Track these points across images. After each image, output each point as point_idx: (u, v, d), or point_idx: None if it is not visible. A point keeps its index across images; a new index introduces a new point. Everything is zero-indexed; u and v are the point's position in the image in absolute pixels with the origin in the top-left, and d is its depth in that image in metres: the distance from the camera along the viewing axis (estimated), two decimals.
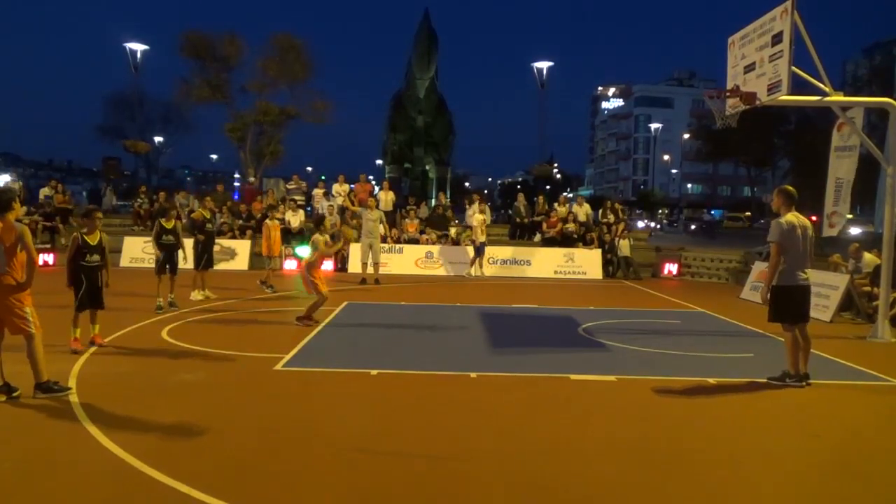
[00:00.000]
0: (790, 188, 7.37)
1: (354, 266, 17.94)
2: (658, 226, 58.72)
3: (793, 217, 7.05)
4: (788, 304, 7.04)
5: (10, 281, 5.77)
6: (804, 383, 7.05)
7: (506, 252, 19.13)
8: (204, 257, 12.36)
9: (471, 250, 17.97)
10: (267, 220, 14.30)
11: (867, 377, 7.72)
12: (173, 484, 4.17)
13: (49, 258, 17.80)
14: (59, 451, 4.79)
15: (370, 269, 15.97)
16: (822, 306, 12.25)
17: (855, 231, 28.49)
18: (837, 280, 12.44)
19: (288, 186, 23.19)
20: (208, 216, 12.89)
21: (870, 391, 7.21)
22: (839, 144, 11.83)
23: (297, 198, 21.66)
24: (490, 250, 18.64)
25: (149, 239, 18.63)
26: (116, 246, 18.50)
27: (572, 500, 4.24)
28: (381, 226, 16.65)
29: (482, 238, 17.55)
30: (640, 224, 54.68)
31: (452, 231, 19.71)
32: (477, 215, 17.93)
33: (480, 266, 17.85)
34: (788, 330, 7.10)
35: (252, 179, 24.83)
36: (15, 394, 5.91)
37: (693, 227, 50.81)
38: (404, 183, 29.26)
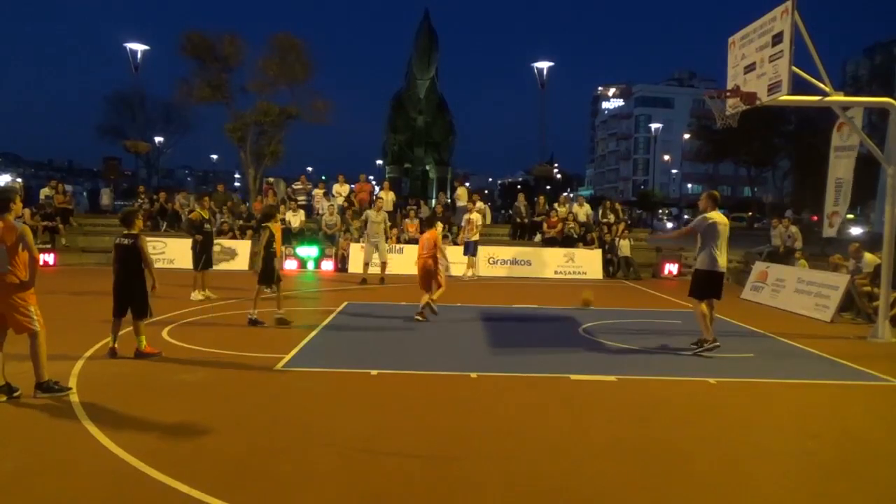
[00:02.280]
0: (717, 193, 9.03)
1: (355, 266, 17.95)
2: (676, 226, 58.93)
3: (716, 215, 8.51)
4: (707, 285, 8.55)
5: (14, 280, 5.81)
6: (714, 347, 8.51)
7: (506, 252, 19.12)
8: (203, 258, 12.36)
9: (456, 250, 17.73)
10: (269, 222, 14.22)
11: (867, 377, 7.73)
12: (174, 484, 4.17)
13: (49, 258, 17.81)
14: (60, 451, 4.79)
15: (374, 269, 15.93)
16: (823, 306, 12.25)
17: (856, 231, 28.48)
18: (838, 280, 12.44)
19: (294, 187, 23.22)
20: (207, 216, 12.87)
21: (870, 391, 7.21)
22: (839, 144, 11.83)
23: (300, 198, 21.69)
24: (490, 250, 18.62)
25: (149, 239, 18.71)
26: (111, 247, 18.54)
27: (572, 500, 4.24)
28: (385, 226, 16.61)
29: (473, 237, 17.39)
30: (669, 225, 55.13)
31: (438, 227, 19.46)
32: (474, 214, 17.84)
33: (471, 266, 17.64)
34: (701, 303, 8.57)
35: (271, 180, 24.79)
36: (15, 394, 5.92)
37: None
38: (404, 183, 29.26)
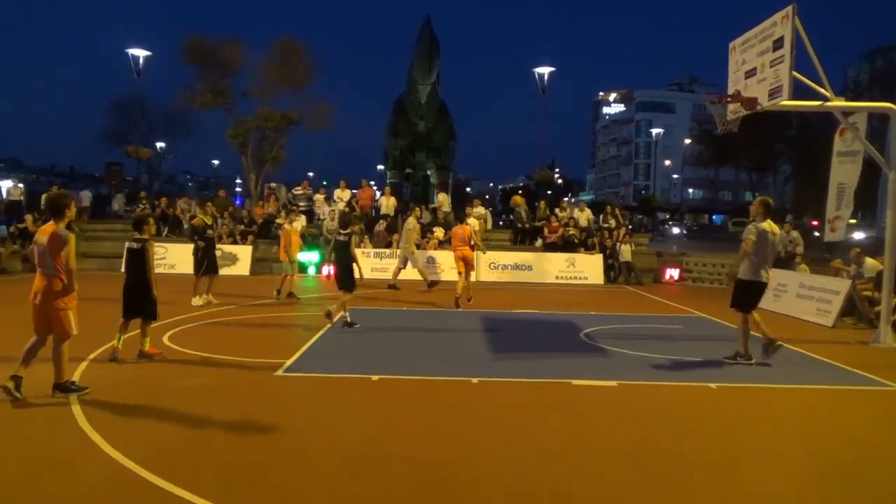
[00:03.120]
0: (769, 199, 8.65)
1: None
2: (685, 231, 59.05)
3: (768, 224, 8.21)
4: (751, 296, 8.31)
5: (58, 284, 6.06)
6: (752, 362, 8.32)
7: (507, 257, 19.11)
8: (204, 263, 12.36)
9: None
10: (286, 225, 14.19)
11: (869, 382, 7.71)
12: (174, 490, 4.17)
13: None
14: (61, 455, 4.78)
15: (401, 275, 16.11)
16: (825, 311, 12.23)
17: (859, 236, 28.43)
18: (839, 285, 12.42)
19: (295, 192, 23.24)
20: (209, 222, 12.88)
21: (872, 396, 7.20)
22: (842, 149, 11.83)
23: (300, 204, 21.70)
24: (491, 255, 18.61)
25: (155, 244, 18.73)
26: (118, 251, 18.53)
27: None
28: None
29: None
30: (676, 230, 55.41)
31: (439, 232, 19.45)
32: (471, 219, 17.75)
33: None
34: (745, 315, 8.35)
35: (273, 185, 24.79)
36: (73, 392, 6.14)
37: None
38: (406, 188, 29.26)
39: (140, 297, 7.63)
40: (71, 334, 6.15)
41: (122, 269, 8.02)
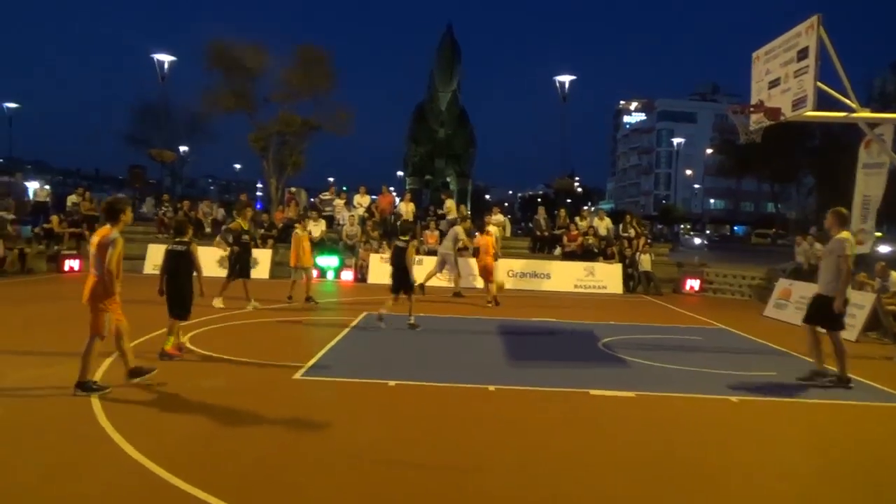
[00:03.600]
0: (844, 210, 8.20)
1: (374, 276, 18.01)
2: (706, 242, 58.64)
3: (848, 234, 7.88)
4: (843, 313, 7.93)
5: (100, 287, 6.31)
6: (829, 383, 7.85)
7: (526, 265, 19.07)
8: (237, 267, 12.42)
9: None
10: (298, 230, 14.22)
11: (893, 399, 7.57)
12: (192, 490, 4.20)
13: (75, 264, 18.08)
14: (82, 455, 4.84)
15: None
16: (848, 325, 12.01)
17: (885, 249, 27.99)
18: (863, 299, 12.23)
19: (322, 197, 23.39)
20: (247, 227, 12.98)
21: (895, 414, 7.06)
22: (868, 161, 11.67)
23: (327, 209, 21.84)
24: (509, 263, 18.57)
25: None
26: (140, 253, 18.78)
27: None
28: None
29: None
30: (697, 241, 55.11)
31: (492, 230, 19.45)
32: (491, 227, 17.77)
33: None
34: (834, 333, 7.89)
35: (294, 190, 24.92)
36: (143, 377, 6.60)
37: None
38: (425, 195, 29.32)
39: (179, 296, 7.86)
40: (103, 336, 6.33)
41: (159, 272, 8.22)
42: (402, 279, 10.68)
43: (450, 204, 22.67)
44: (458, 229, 16.41)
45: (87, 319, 6.38)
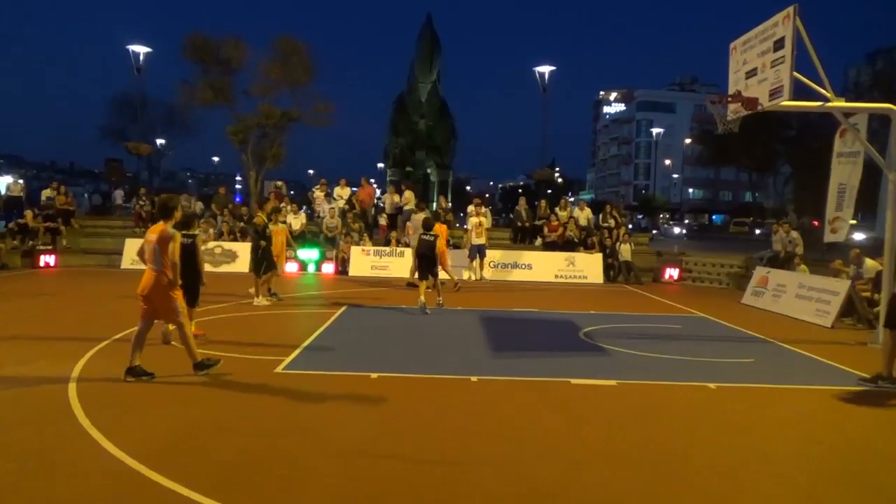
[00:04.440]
0: None
1: (355, 269, 17.99)
2: (685, 231, 59.10)
3: None
4: None
5: (165, 278, 6.66)
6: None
7: (507, 256, 19.12)
8: (264, 263, 12.27)
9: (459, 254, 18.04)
10: (270, 224, 14.09)
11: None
12: (172, 486, 4.17)
13: (51, 259, 17.82)
14: (60, 453, 4.78)
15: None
16: (824, 312, 12.25)
17: (860, 237, 28.43)
18: (838, 286, 12.44)
19: (316, 192, 23.20)
20: (267, 221, 12.84)
21: (871, 397, 7.20)
22: (842, 150, 11.83)
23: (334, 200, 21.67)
24: (491, 254, 18.62)
25: None
26: (118, 248, 18.55)
27: None
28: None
29: (479, 241, 17.50)
30: (676, 230, 55.53)
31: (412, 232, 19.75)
32: (472, 218, 17.95)
33: (480, 269, 17.83)
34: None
35: (279, 183, 24.63)
36: (145, 377, 6.66)
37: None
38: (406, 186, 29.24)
39: (188, 286, 7.87)
40: (181, 321, 6.81)
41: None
42: (430, 266, 12.08)
43: (408, 195, 22.57)
44: (416, 217, 16.56)
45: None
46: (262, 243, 12.26)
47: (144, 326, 6.78)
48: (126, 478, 4.32)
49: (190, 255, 7.96)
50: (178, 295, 6.82)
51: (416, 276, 12.34)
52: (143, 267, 6.88)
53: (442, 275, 14.00)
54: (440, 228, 14.73)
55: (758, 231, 51.43)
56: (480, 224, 17.50)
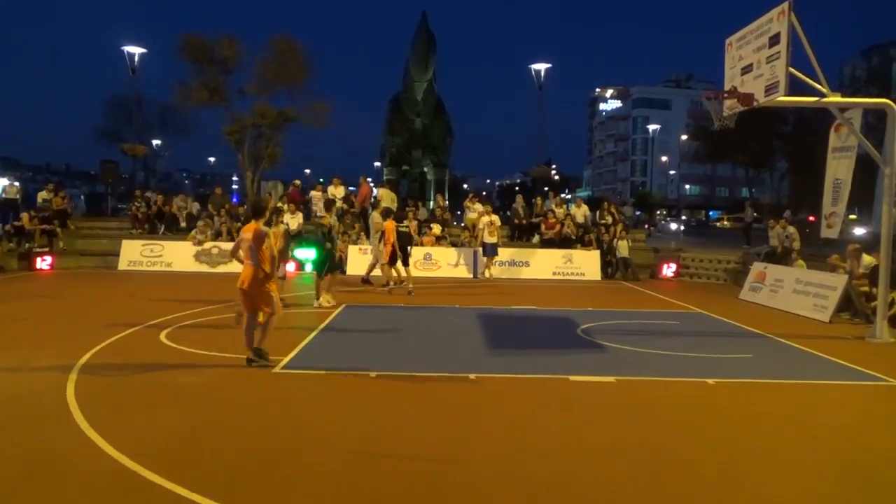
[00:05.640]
0: None
1: (352, 268, 17.96)
2: (682, 227, 59.09)
3: None
4: None
5: (261, 272, 7.17)
6: None
7: (504, 253, 19.09)
8: (327, 264, 12.20)
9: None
10: (272, 227, 13.97)
11: (866, 377, 7.73)
12: (172, 487, 4.17)
13: (47, 261, 17.74)
14: (59, 455, 4.77)
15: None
16: (821, 307, 12.27)
17: (859, 231, 28.47)
18: (836, 280, 12.46)
19: (332, 192, 23.11)
20: (334, 223, 12.76)
21: (869, 392, 7.22)
22: (837, 145, 11.84)
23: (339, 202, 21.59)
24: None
25: (147, 242, 18.71)
26: (114, 249, 18.51)
27: (571, 502, 4.24)
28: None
29: (491, 239, 17.70)
30: (673, 226, 55.46)
31: (437, 229, 19.84)
32: (483, 217, 18.18)
33: (488, 267, 18.00)
34: None
35: (297, 182, 24.46)
36: (263, 362, 7.27)
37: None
38: (402, 185, 29.25)
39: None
40: (276, 312, 7.33)
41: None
42: (404, 257, 13.11)
43: (382, 193, 22.56)
44: (374, 214, 16.57)
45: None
46: (328, 245, 12.14)
47: (252, 318, 7.33)
48: (126, 480, 4.31)
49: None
50: (273, 287, 7.35)
51: (383, 265, 13.32)
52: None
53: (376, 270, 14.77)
54: (388, 225, 14.28)
55: (755, 226, 51.49)
56: (492, 223, 17.69)
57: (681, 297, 14.93)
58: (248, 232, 7.33)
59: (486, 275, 17.96)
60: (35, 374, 6.84)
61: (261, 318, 7.33)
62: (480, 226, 18.26)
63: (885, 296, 10.34)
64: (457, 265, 18.47)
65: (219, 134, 27.12)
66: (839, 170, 11.74)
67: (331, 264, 12.28)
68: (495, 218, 18.21)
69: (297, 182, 24.44)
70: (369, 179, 25.05)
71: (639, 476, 4.60)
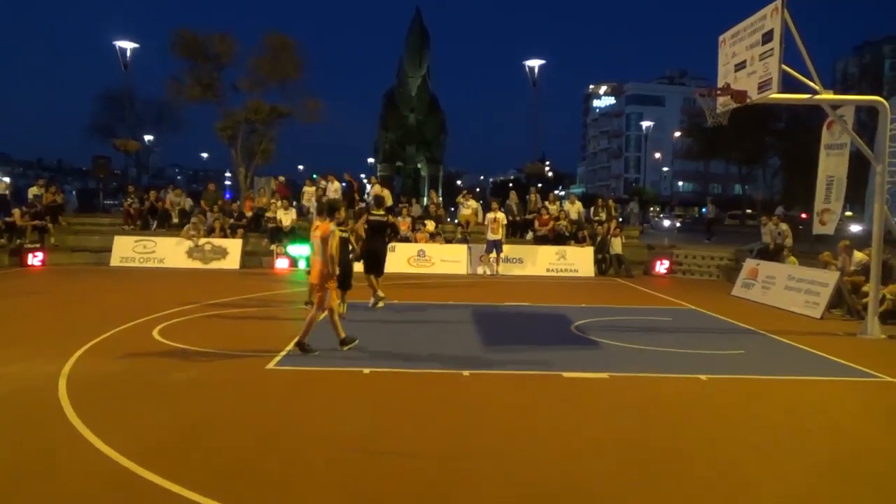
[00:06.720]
0: None
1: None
2: (678, 224, 59.12)
3: None
4: None
5: (326, 269, 7.60)
6: None
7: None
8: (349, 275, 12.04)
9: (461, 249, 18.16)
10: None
11: (857, 374, 7.78)
12: (165, 484, 4.16)
13: (39, 258, 17.64)
14: (51, 452, 4.76)
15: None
16: (813, 303, 12.33)
17: (856, 229, 28.56)
18: (827, 277, 12.52)
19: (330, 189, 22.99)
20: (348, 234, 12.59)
21: (860, 388, 7.27)
22: (829, 142, 11.88)
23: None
24: (482, 248, 18.65)
25: (140, 238, 18.62)
26: (106, 245, 18.42)
27: (566, 498, 4.25)
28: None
29: (495, 236, 17.80)
30: (667, 223, 55.48)
31: (430, 225, 19.87)
32: (489, 213, 18.31)
33: (496, 264, 18.10)
34: None
35: (282, 178, 24.33)
36: (351, 345, 7.96)
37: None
38: (396, 181, 29.23)
39: (342, 273, 8.66)
40: (330, 308, 7.78)
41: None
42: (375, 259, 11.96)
43: (377, 189, 22.48)
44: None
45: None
46: (351, 256, 11.96)
47: (329, 311, 7.78)
48: (119, 477, 4.30)
49: (343, 247, 8.84)
50: (332, 284, 7.76)
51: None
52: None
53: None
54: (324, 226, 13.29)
55: (748, 223, 51.66)
56: (496, 220, 17.77)
57: (674, 294, 14.97)
58: (319, 231, 7.74)
59: (490, 271, 18.03)
60: (27, 372, 6.81)
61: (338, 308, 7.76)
62: (486, 222, 18.35)
63: (876, 292, 10.40)
64: (450, 262, 18.46)
65: (212, 130, 27.05)
66: (832, 167, 11.78)
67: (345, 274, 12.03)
68: (501, 216, 18.23)
69: (282, 178, 24.36)
70: (362, 175, 25.03)
71: (633, 471, 4.62)
